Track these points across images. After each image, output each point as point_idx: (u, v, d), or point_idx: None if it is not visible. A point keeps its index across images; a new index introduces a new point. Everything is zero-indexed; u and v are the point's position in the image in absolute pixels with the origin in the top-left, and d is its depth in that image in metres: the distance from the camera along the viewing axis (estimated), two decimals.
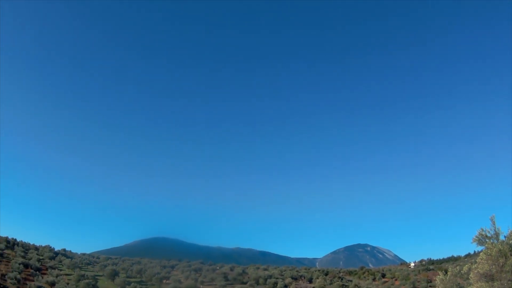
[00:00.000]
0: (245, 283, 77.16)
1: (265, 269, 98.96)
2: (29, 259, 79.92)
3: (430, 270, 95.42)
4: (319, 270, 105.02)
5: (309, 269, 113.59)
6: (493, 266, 18.91)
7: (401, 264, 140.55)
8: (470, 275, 20.68)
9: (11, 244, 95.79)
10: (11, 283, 59.35)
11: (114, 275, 77.75)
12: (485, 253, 19.59)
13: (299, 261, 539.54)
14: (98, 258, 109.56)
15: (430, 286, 75.20)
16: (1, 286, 54.70)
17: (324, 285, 74.43)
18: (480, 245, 20.65)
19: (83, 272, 76.39)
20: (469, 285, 20.70)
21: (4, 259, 75.00)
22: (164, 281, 76.67)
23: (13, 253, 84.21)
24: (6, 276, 61.56)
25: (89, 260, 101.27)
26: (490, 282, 18.86)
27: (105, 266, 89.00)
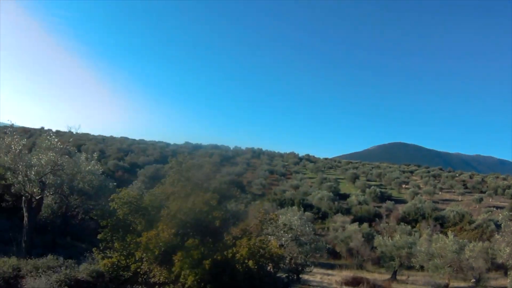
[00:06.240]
0: (484, 192, 67.11)
1: (504, 179, 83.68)
2: (274, 166, 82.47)
3: None
4: None
5: None
6: None
7: None
8: None
9: (257, 153, 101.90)
10: (256, 188, 60.57)
11: (354, 178, 74.95)
12: None
13: None
14: (339, 162, 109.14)
15: None
16: (248, 192, 55.44)
17: None
18: None
19: (325, 176, 75.20)
20: None
21: (250, 168, 78.94)
22: (403, 185, 70.46)
23: (259, 162, 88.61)
24: (252, 182, 63.35)
25: (331, 164, 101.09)
26: None
27: (346, 170, 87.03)
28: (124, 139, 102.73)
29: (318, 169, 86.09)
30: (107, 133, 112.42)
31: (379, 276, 30.06)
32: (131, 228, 12.90)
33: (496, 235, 22.97)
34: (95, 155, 23.12)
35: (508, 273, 22.45)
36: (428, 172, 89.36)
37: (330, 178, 72.18)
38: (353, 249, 35.16)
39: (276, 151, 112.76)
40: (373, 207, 52.04)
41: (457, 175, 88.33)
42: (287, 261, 18.10)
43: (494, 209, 52.87)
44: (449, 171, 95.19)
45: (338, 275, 26.87)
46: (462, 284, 27.69)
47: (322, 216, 48.06)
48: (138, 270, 11.84)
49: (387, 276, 29.59)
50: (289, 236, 18.88)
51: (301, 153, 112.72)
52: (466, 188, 71.52)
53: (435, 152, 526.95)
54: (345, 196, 58.27)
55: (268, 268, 13.33)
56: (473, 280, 25.71)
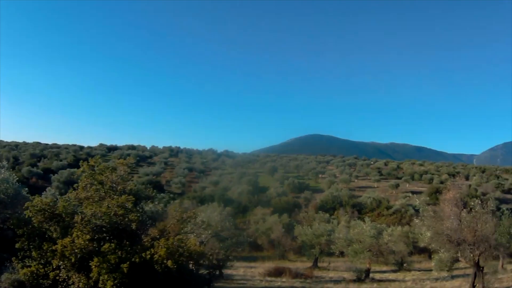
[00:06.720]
0: (400, 178, 71.85)
1: (421, 165, 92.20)
2: (193, 164, 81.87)
3: None
4: (476, 167, 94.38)
5: (466, 166, 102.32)
6: None
7: None
8: None
9: (174, 152, 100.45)
10: (176, 187, 59.79)
11: (273, 171, 77.32)
12: None
13: (456, 157, 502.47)
14: (257, 156, 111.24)
15: None
16: (167, 191, 54.60)
17: (481, 183, 66.05)
18: None
19: (244, 170, 76.24)
20: None
21: (169, 167, 77.69)
22: (320, 175, 73.80)
23: (178, 160, 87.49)
24: (171, 181, 62.43)
25: (250, 158, 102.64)
26: None
27: (265, 163, 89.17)
28: (37, 144, 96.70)
29: (237, 164, 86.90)
30: (20, 139, 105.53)
31: (301, 264, 31.26)
32: (46, 236, 12.46)
33: (415, 219, 24.13)
34: (4, 162, 21.87)
35: (432, 256, 23.86)
36: (344, 161, 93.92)
37: (249, 172, 73.33)
38: (274, 240, 36.26)
39: (195, 149, 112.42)
40: (292, 198, 53.74)
41: (372, 163, 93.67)
42: (208, 258, 18.30)
43: (412, 194, 54.71)
44: (364, 160, 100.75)
45: (261, 267, 27.42)
46: (385, 268, 29.21)
47: (242, 210, 48.88)
48: (57, 278, 11.51)
49: (309, 264, 30.85)
50: (209, 232, 19.08)
51: (220, 149, 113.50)
52: (382, 175, 74.86)
53: (350, 142, 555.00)
54: (264, 189, 59.40)
55: (190, 266, 13.49)
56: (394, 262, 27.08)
